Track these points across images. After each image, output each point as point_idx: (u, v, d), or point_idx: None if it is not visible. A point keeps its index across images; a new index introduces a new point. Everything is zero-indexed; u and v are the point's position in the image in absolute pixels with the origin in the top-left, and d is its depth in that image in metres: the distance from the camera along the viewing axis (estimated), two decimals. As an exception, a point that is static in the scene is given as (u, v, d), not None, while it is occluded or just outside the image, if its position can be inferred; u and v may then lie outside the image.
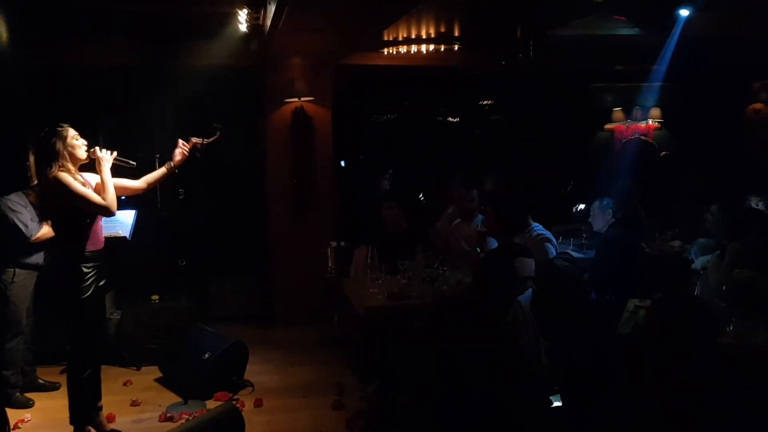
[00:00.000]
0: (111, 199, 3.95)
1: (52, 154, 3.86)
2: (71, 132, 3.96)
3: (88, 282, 3.95)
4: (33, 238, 4.66)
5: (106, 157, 4.03)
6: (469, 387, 2.02)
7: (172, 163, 4.31)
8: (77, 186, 3.86)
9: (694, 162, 8.15)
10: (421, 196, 8.07)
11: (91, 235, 3.98)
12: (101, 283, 4.04)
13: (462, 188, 5.92)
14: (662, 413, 2.11)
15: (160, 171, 4.36)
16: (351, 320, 5.64)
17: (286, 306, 6.85)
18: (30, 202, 4.81)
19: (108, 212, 3.96)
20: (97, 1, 5.48)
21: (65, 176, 3.85)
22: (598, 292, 4.24)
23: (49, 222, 4.31)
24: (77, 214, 3.91)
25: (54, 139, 3.88)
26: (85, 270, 3.94)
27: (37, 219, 4.74)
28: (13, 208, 4.68)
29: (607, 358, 2.77)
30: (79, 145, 3.98)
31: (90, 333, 4.07)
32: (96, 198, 3.91)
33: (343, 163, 8.24)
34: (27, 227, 4.66)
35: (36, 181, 4.07)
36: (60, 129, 3.93)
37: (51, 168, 3.84)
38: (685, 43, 6.70)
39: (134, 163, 4.23)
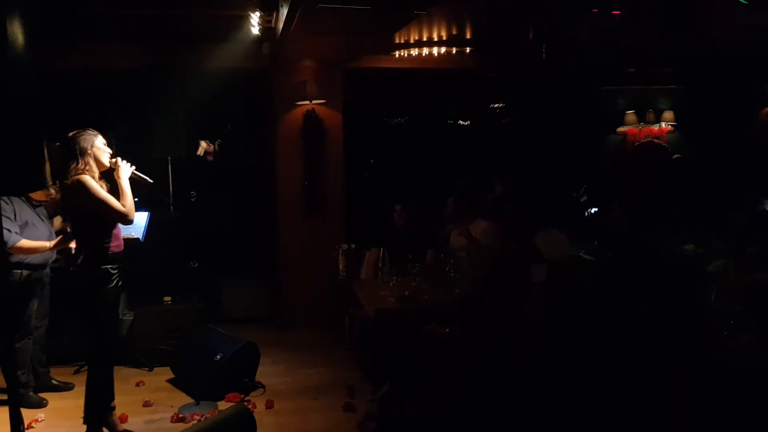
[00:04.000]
0: (130, 206, 4.00)
1: (78, 155, 3.91)
2: (100, 138, 4.03)
3: (114, 282, 4.00)
4: (8, 248, 4.51)
5: (127, 167, 4.08)
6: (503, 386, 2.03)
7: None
8: (100, 190, 3.91)
9: (707, 165, 8.10)
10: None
11: (114, 236, 4.04)
12: (120, 283, 4.09)
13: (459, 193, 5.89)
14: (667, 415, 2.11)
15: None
16: (361, 322, 5.65)
17: (297, 308, 6.86)
18: (39, 202, 4.83)
19: (127, 219, 3.99)
20: (110, 5, 5.51)
21: (89, 179, 3.89)
22: (611, 294, 4.22)
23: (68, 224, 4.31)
24: (100, 216, 3.95)
25: (82, 142, 3.93)
26: (112, 271, 3.99)
27: (32, 223, 4.74)
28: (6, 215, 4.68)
29: (620, 358, 2.76)
30: (105, 151, 4.03)
31: (112, 332, 4.15)
32: (117, 204, 3.94)
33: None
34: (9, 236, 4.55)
35: (51, 182, 4.09)
36: (91, 132, 3.99)
37: (76, 169, 3.88)
38: (698, 45, 6.66)
39: (152, 180, 4.27)
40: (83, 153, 3.92)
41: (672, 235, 6.24)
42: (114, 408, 4.27)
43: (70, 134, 3.95)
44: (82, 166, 3.90)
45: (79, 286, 3.99)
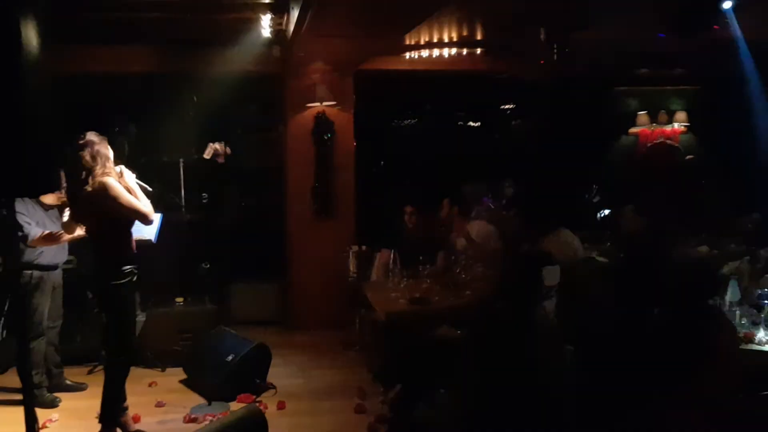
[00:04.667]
0: (149, 206, 4.05)
1: (101, 157, 3.94)
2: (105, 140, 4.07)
3: (133, 282, 4.06)
4: (29, 242, 4.62)
5: (130, 173, 4.13)
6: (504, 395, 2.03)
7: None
8: (125, 192, 3.95)
9: (721, 166, 8.04)
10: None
11: (130, 237, 4.10)
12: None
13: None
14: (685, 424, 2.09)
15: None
16: (372, 324, 5.64)
17: (308, 310, 6.86)
18: (49, 206, 4.86)
19: (148, 219, 4.04)
20: (122, 9, 5.55)
21: (114, 182, 3.93)
22: (624, 297, 4.19)
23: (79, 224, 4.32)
24: (122, 217, 3.98)
25: (102, 147, 3.97)
26: (134, 271, 4.05)
27: (42, 223, 4.78)
28: (19, 210, 4.73)
29: (630, 365, 2.74)
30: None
31: (132, 332, 4.21)
32: (140, 205, 3.99)
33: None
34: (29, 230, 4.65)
35: (65, 184, 4.13)
36: (101, 137, 4.03)
37: (101, 173, 3.92)
38: (713, 46, 6.61)
39: (151, 189, 4.27)
40: (105, 155, 3.96)
41: (685, 237, 6.20)
42: (127, 408, 4.30)
43: (86, 139, 3.96)
44: (103, 170, 3.93)
45: (101, 287, 4.02)
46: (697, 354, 2.14)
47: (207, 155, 6.33)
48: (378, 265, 5.80)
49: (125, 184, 4.04)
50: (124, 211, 3.95)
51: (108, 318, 4.08)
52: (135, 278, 4.07)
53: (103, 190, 3.88)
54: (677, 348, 2.20)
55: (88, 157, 3.91)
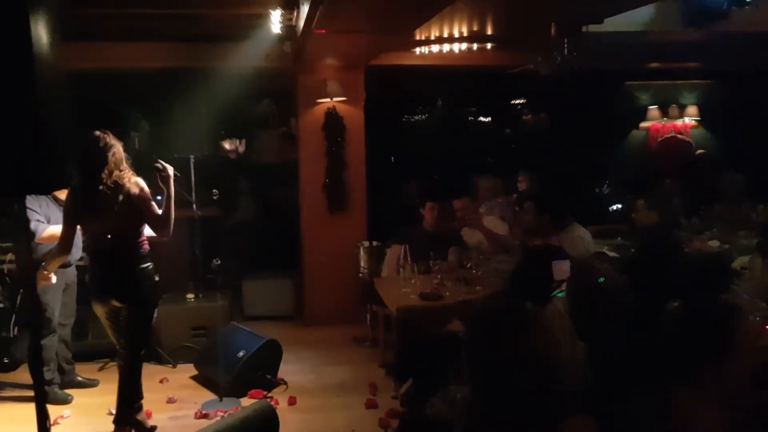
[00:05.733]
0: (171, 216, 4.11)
1: (120, 156, 3.98)
2: None
3: (156, 277, 4.14)
4: (37, 239, 4.63)
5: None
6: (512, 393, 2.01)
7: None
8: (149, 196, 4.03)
9: (732, 161, 7.98)
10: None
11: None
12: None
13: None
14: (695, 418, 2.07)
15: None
16: (384, 320, 5.64)
17: (320, 305, 6.87)
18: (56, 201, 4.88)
19: (166, 230, 4.06)
20: (133, 6, 5.56)
21: (143, 183, 4.00)
22: (636, 292, 4.17)
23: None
24: (143, 216, 4.02)
25: (114, 140, 4.00)
26: (151, 267, 4.11)
27: (56, 219, 4.78)
28: (30, 206, 4.75)
29: (644, 360, 2.72)
30: None
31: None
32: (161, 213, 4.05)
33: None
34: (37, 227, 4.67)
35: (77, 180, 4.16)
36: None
37: (128, 171, 3.98)
38: (725, 39, 6.56)
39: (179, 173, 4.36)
40: (128, 156, 4.05)
41: (697, 231, 6.16)
42: (142, 406, 4.33)
43: (109, 139, 3.98)
44: (127, 169, 4.00)
45: (125, 283, 4.04)
46: (712, 349, 2.11)
47: (229, 150, 6.36)
48: (389, 260, 5.79)
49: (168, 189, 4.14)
50: (147, 212, 4.00)
51: (133, 313, 4.09)
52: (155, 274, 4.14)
53: (134, 187, 3.95)
54: (691, 343, 2.18)
55: (112, 156, 3.95)
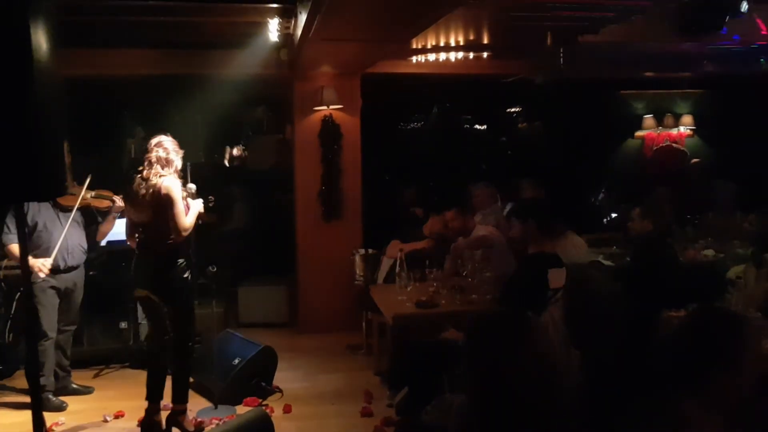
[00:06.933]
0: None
1: (169, 160, 4.18)
2: None
3: (185, 274, 4.31)
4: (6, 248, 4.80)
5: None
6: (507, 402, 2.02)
7: None
8: (180, 200, 4.17)
9: (726, 170, 8.02)
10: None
11: None
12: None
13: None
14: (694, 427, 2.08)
15: None
16: (379, 328, 5.64)
17: (315, 313, 6.87)
18: (70, 206, 4.87)
19: (182, 234, 4.20)
20: (130, 12, 5.57)
21: (174, 186, 4.15)
22: (631, 301, 4.18)
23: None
24: (167, 218, 4.15)
25: (174, 147, 4.24)
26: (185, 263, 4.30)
27: (51, 223, 4.85)
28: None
29: (639, 368, 2.73)
30: None
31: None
32: (185, 218, 4.19)
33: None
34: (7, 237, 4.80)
35: (73, 185, 4.21)
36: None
37: (168, 173, 4.15)
38: (720, 49, 6.61)
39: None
40: (171, 159, 4.23)
41: (691, 240, 6.18)
42: (186, 410, 4.47)
43: (166, 140, 4.26)
44: (171, 171, 4.21)
45: (168, 281, 4.21)
46: (720, 359, 2.12)
47: (229, 158, 6.39)
48: (384, 268, 5.79)
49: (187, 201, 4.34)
50: (173, 216, 4.13)
51: (177, 310, 4.30)
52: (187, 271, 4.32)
53: (169, 189, 4.12)
54: (699, 353, 2.18)
55: (168, 155, 4.20)
